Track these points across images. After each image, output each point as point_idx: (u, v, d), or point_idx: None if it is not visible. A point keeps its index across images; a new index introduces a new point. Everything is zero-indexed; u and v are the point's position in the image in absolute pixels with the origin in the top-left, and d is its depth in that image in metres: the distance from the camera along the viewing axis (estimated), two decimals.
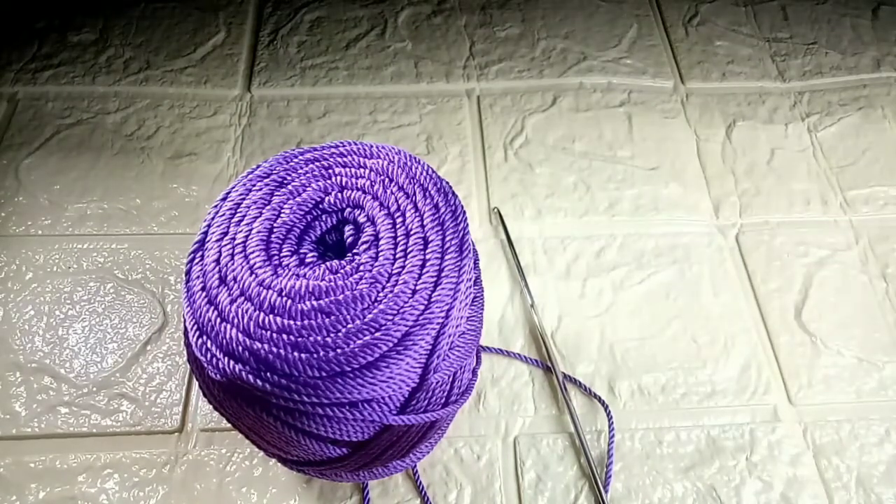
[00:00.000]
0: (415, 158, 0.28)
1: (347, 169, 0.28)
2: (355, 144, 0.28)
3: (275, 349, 0.23)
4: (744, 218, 0.49)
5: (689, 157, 0.52)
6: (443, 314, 0.24)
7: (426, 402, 0.26)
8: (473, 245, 0.27)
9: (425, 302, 0.24)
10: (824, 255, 0.47)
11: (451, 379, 0.28)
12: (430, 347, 0.24)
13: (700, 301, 0.44)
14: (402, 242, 0.25)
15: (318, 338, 0.23)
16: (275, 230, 0.26)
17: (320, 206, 0.27)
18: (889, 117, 0.55)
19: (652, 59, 0.58)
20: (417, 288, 0.24)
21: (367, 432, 0.25)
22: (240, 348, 0.23)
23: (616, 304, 0.44)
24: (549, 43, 0.59)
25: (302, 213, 0.27)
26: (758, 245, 0.47)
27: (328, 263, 0.26)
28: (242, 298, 0.24)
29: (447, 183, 0.27)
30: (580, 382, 0.40)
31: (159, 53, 0.57)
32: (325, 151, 0.28)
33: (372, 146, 0.28)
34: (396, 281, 0.25)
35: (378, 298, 0.24)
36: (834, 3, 0.63)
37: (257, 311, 0.23)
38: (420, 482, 0.37)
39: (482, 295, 0.30)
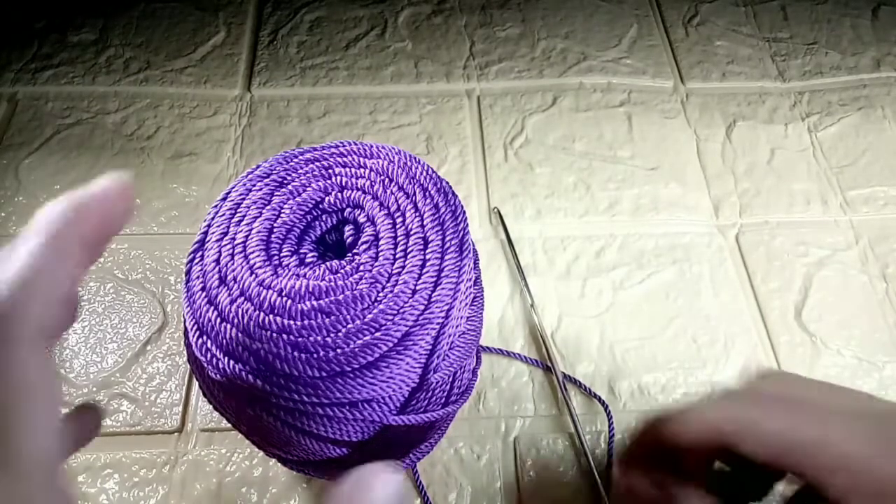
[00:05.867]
0: (415, 158, 0.28)
1: (347, 169, 0.28)
2: (355, 144, 0.28)
3: (275, 349, 0.23)
4: (744, 218, 0.49)
5: (689, 157, 0.52)
6: (443, 314, 0.24)
7: (426, 401, 0.26)
8: (473, 245, 0.27)
9: (425, 302, 0.24)
10: (824, 255, 0.47)
11: (451, 379, 0.27)
12: (430, 347, 0.24)
13: (700, 301, 0.44)
14: (402, 242, 0.25)
15: (319, 338, 0.23)
16: (275, 230, 0.26)
17: (320, 206, 0.27)
18: (889, 117, 0.55)
19: (652, 59, 0.58)
20: (417, 288, 0.24)
21: (367, 432, 0.25)
22: (240, 348, 0.23)
23: (616, 304, 0.44)
24: (549, 43, 0.59)
25: (302, 213, 0.26)
26: (758, 245, 0.47)
27: (328, 263, 0.26)
28: (242, 298, 0.24)
29: (447, 183, 0.27)
30: (580, 382, 0.40)
31: (159, 53, 0.57)
32: (325, 151, 0.28)
33: (372, 146, 0.28)
34: (396, 281, 0.24)
35: (378, 298, 0.24)
36: (834, 3, 0.63)
37: (257, 311, 0.23)
38: (420, 482, 0.37)
39: (482, 295, 0.30)
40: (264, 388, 0.23)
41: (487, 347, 0.41)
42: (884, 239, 0.48)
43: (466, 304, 0.27)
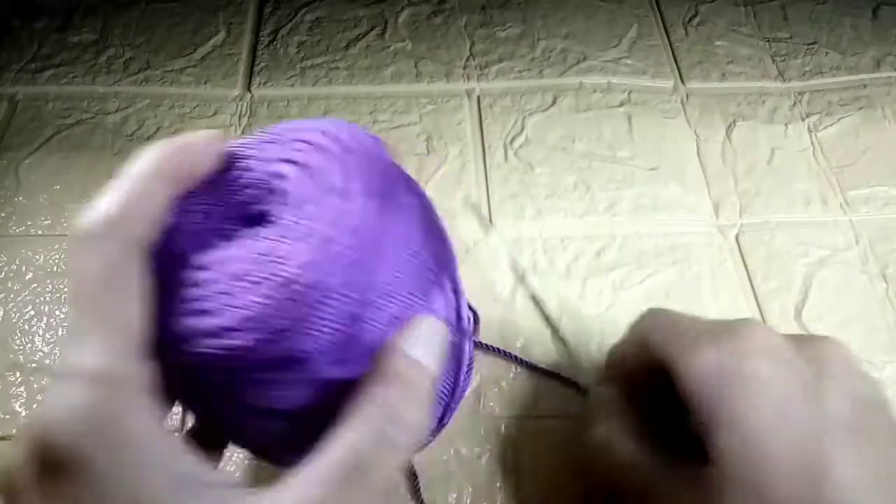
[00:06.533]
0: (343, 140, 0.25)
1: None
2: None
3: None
4: (744, 218, 0.49)
5: (689, 157, 0.52)
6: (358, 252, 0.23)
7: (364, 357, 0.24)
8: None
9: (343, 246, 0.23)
10: (824, 255, 0.47)
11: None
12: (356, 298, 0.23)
13: (700, 301, 0.44)
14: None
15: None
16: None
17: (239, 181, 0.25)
18: (889, 117, 0.55)
19: (652, 59, 0.58)
20: (333, 236, 0.22)
21: (309, 396, 0.23)
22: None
23: (616, 304, 0.44)
24: (549, 43, 0.59)
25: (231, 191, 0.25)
26: (758, 245, 0.47)
27: (246, 235, 0.24)
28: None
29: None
30: (577, 384, 0.40)
31: (159, 53, 0.57)
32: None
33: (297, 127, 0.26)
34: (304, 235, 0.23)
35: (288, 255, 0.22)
36: (834, 3, 0.63)
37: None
38: (420, 482, 0.37)
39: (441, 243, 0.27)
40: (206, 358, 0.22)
41: (488, 347, 0.41)
42: (884, 239, 0.48)
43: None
